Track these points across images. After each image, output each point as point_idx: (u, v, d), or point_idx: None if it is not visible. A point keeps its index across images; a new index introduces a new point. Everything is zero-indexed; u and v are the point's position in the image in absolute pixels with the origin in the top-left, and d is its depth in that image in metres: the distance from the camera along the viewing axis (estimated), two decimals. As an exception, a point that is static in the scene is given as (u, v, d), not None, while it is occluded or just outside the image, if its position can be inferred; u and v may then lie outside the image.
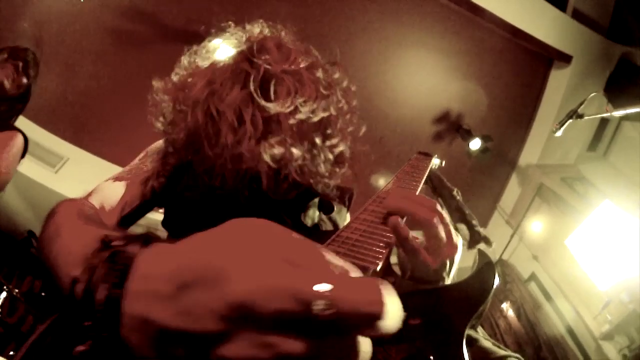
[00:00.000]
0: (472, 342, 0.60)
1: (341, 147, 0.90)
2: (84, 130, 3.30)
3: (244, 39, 0.90)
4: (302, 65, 0.87)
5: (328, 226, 0.90)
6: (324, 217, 0.89)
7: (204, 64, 0.88)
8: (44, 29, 3.05)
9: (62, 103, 3.25)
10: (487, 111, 3.88)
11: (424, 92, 3.83)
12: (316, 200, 0.89)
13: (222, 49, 0.90)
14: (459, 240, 0.63)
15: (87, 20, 3.02)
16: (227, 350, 0.28)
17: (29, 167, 3.11)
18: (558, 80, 3.83)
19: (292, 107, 0.81)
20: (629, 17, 3.46)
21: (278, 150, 0.80)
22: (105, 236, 0.37)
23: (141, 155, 0.96)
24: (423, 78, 3.80)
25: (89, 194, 0.81)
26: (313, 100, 0.84)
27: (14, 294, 2.17)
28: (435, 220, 0.59)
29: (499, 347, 0.61)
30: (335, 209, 0.91)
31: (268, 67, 0.83)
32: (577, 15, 3.58)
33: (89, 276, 0.35)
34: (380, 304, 0.26)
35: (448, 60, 3.67)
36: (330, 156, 0.88)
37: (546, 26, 3.47)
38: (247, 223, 0.32)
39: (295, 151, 0.81)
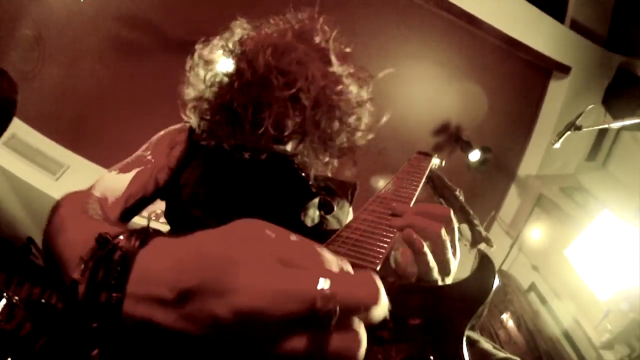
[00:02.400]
0: (473, 344, 0.60)
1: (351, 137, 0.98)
2: (84, 138, 3.31)
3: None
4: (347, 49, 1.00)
5: (333, 224, 0.91)
6: (326, 215, 0.90)
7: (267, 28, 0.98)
8: (44, 35, 3.07)
9: (63, 111, 3.26)
10: (486, 122, 3.89)
11: (423, 104, 3.84)
12: (316, 200, 0.89)
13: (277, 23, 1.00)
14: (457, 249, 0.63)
15: (87, 27, 3.04)
16: (235, 353, 0.28)
17: (29, 174, 3.12)
18: (557, 91, 3.84)
19: (346, 73, 0.94)
20: (627, 27, 3.49)
21: (339, 86, 0.92)
22: (103, 233, 0.37)
23: (144, 146, 0.96)
24: (422, 90, 3.82)
25: (93, 186, 0.82)
26: (355, 81, 0.97)
27: (13, 300, 2.17)
28: (443, 233, 0.59)
29: (499, 349, 0.61)
30: (335, 207, 0.91)
31: (326, 39, 0.95)
32: (575, 26, 3.61)
33: (88, 278, 0.35)
34: (377, 294, 0.29)
35: (447, 72, 3.69)
36: (340, 141, 0.96)
37: (544, 37, 3.49)
38: (246, 226, 0.32)
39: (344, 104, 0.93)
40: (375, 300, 0.29)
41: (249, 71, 0.87)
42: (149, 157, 0.92)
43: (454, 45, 3.55)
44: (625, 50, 3.58)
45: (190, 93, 0.95)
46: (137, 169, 0.89)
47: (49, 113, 3.22)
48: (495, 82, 3.77)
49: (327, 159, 0.96)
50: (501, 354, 0.59)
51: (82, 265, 0.36)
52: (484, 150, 3.83)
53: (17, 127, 3.08)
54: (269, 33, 0.95)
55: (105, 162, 3.34)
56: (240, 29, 0.96)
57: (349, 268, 0.33)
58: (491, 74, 3.75)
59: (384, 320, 0.46)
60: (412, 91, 3.80)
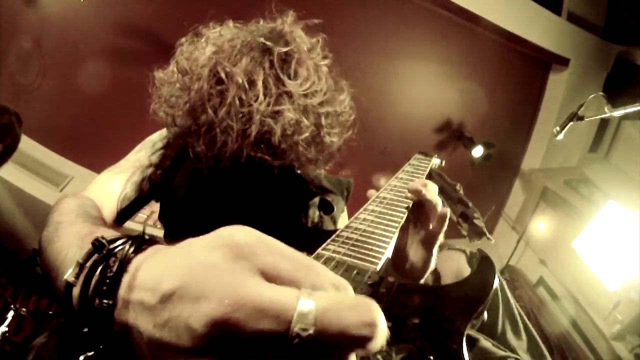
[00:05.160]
0: (473, 342, 0.60)
1: (332, 142, 0.93)
2: (87, 148, 3.32)
3: (260, 24, 0.94)
4: (321, 60, 0.93)
5: (329, 224, 0.90)
6: (324, 216, 0.90)
7: (213, 41, 0.89)
8: (44, 48, 3.09)
9: (65, 122, 3.28)
10: (488, 118, 3.88)
11: (424, 102, 3.84)
12: (316, 200, 0.89)
13: (230, 29, 0.93)
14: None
15: (86, 38, 3.06)
16: None
17: (33, 186, 3.13)
18: (557, 84, 3.83)
19: (308, 91, 0.86)
20: (624, 16, 3.47)
21: (291, 116, 0.82)
22: (99, 237, 0.37)
23: (137, 147, 0.97)
24: (423, 88, 3.81)
25: (87, 189, 0.82)
26: (324, 93, 0.89)
27: (21, 312, 2.18)
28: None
29: (498, 347, 0.61)
30: (335, 209, 0.91)
31: (291, 48, 0.87)
32: (572, 18, 3.59)
33: (83, 281, 0.35)
34: (373, 326, 0.26)
35: (447, 69, 3.68)
36: (323, 146, 0.91)
37: (542, 30, 3.49)
38: (234, 233, 0.31)
39: (306, 122, 0.84)
40: (369, 334, 0.26)
41: (192, 92, 0.84)
42: (142, 159, 0.93)
43: (452, 42, 3.55)
44: (623, 39, 3.57)
45: (160, 113, 0.94)
46: (130, 171, 0.89)
47: (51, 125, 3.23)
48: (495, 77, 3.76)
49: (311, 165, 0.94)
50: (501, 352, 0.59)
51: (77, 269, 0.36)
52: (487, 146, 3.82)
53: (20, 140, 3.10)
54: (213, 45, 0.88)
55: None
56: (185, 46, 0.92)
57: (346, 288, 0.30)
58: (491, 69, 3.74)
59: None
60: (413, 90, 3.80)
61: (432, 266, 0.76)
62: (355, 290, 0.50)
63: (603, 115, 2.39)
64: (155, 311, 0.29)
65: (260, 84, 0.82)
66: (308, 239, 0.64)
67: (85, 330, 0.34)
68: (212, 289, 0.27)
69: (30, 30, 3.09)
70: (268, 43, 0.86)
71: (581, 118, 2.38)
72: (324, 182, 0.98)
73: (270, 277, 0.28)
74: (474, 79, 3.68)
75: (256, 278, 0.28)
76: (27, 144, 3.18)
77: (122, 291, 0.33)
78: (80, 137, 3.33)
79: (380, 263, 0.56)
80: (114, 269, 0.34)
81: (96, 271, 0.35)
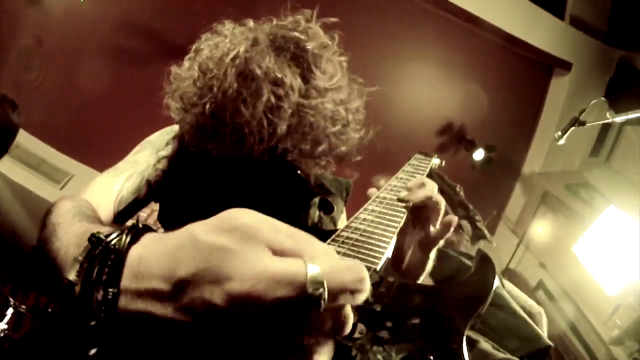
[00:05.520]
0: (473, 344, 0.60)
1: (358, 137, 0.95)
2: (88, 146, 3.33)
3: (280, 21, 0.95)
4: (342, 57, 0.95)
5: (328, 224, 0.90)
6: (324, 216, 0.90)
7: (236, 39, 0.90)
8: (45, 45, 3.10)
9: (66, 119, 3.28)
10: (489, 121, 3.88)
11: (426, 105, 3.84)
12: (316, 200, 0.89)
13: (250, 28, 0.94)
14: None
15: (88, 35, 3.06)
16: (231, 340, 0.30)
17: (34, 183, 3.14)
18: (559, 88, 3.83)
19: (335, 85, 0.88)
20: (626, 21, 3.47)
21: (330, 107, 0.85)
22: (95, 233, 0.38)
23: (136, 149, 0.96)
24: (425, 90, 3.82)
25: (85, 191, 0.82)
26: (346, 90, 0.92)
27: (20, 309, 2.18)
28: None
29: (498, 349, 0.61)
30: (335, 209, 0.91)
31: (315, 44, 0.89)
32: (575, 22, 3.60)
33: (83, 278, 0.36)
34: (363, 280, 0.31)
35: (449, 71, 3.69)
36: (342, 148, 0.93)
37: (545, 34, 3.49)
38: (237, 215, 0.33)
39: (341, 114, 0.88)
40: (361, 288, 0.31)
41: (218, 92, 0.85)
42: (140, 160, 0.92)
43: (455, 45, 3.55)
44: (625, 44, 3.57)
45: (174, 109, 0.94)
46: (129, 172, 0.89)
47: (52, 122, 3.24)
48: (498, 80, 3.77)
49: (322, 163, 0.95)
50: (500, 355, 0.59)
51: (77, 266, 0.37)
52: (488, 149, 3.82)
53: (21, 136, 3.09)
54: (237, 43, 0.89)
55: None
56: (205, 44, 0.93)
57: (334, 254, 0.34)
58: (493, 72, 3.74)
59: (384, 320, 0.46)
60: (415, 92, 3.80)
61: (428, 269, 0.77)
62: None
63: (605, 121, 2.39)
64: (172, 297, 0.31)
65: (290, 78, 0.83)
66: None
67: (92, 324, 0.34)
68: (230, 269, 0.29)
69: (32, 28, 3.10)
70: (294, 38, 0.88)
71: (583, 123, 2.38)
72: (324, 182, 0.98)
73: (277, 252, 0.31)
74: (476, 81, 3.68)
75: (267, 254, 0.31)
76: (28, 141, 3.19)
77: (127, 281, 0.33)
78: (81, 134, 3.33)
79: (380, 263, 0.56)
80: (113, 260, 0.35)
81: (95, 266, 0.36)
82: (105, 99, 3.15)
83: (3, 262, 2.91)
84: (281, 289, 0.28)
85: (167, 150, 0.94)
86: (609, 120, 2.33)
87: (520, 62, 3.73)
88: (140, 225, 0.38)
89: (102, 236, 0.37)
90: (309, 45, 0.88)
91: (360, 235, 0.60)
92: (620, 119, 2.25)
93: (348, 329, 0.33)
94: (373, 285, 0.51)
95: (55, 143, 3.31)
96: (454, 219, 0.73)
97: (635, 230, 2.77)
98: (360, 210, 0.70)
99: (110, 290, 0.33)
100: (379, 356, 0.43)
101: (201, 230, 0.32)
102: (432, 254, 0.77)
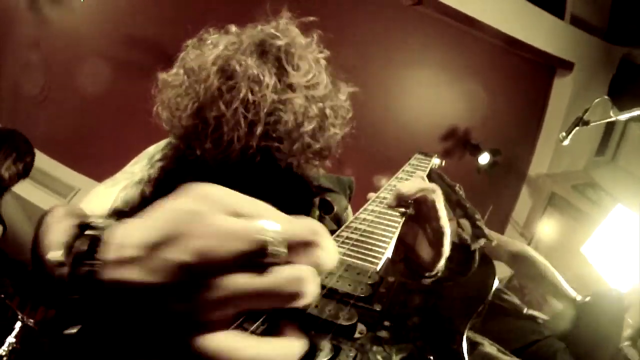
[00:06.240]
0: (476, 346, 0.59)
1: (335, 134, 0.94)
2: (95, 160, 3.34)
3: (259, 26, 0.95)
4: (321, 54, 0.95)
5: (330, 224, 0.90)
6: (324, 216, 0.90)
7: (218, 41, 0.92)
8: (50, 59, 3.13)
9: (73, 134, 3.31)
10: (494, 125, 3.87)
11: (430, 110, 3.84)
12: (316, 200, 0.89)
13: (233, 33, 0.95)
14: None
15: (92, 49, 3.10)
16: (195, 297, 0.31)
17: (40, 198, 3.16)
18: (562, 88, 3.82)
19: (310, 82, 0.88)
20: (627, 18, 3.47)
21: (300, 102, 0.85)
22: (82, 219, 0.40)
23: (134, 160, 0.99)
24: (428, 95, 3.82)
25: (83, 201, 0.84)
26: (325, 86, 0.91)
27: (28, 323, 2.18)
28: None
29: (505, 353, 0.60)
30: (336, 208, 0.92)
31: (289, 42, 0.90)
32: (576, 21, 3.59)
33: (72, 258, 0.37)
34: (319, 235, 0.33)
35: (451, 76, 3.69)
36: (318, 145, 0.92)
37: (546, 35, 3.49)
38: (198, 187, 0.35)
39: (314, 111, 0.87)
40: (314, 237, 0.33)
41: (201, 91, 0.86)
42: (136, 171, 0.94)
43: (456, 49, 3.56)
44: (627, 41, 3.56)
45: (164, 118, 0.95)
46: (124, 183, 0.90)
47: (58, 136, 3.27)
48: (500, 83, 3.76)
49: (310, 162, 0.95)
50: (506, 358, 0.59)
51: (63, 249, 0.39)
52: (493, 152, 3.81)
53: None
54: (218, 45, 0.92)
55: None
56: (191, 50, 0.95)
57: (292, 219, 0.35)
58: (495, 75, 3.74)
59: (384, 320, 0.46)
60: (418, 98, 3.80)
61: (443, 260, 0.72)
62: (356, 289, 0.50)
63: (609, 119, 2.38)
64: (143, 261, 0.33)
65: (267, 77, 0.84)
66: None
67: (73, 297, 0.36)
68: (190, 228, 0.31)
69: (36, 42, 3.14)
70: (270, 39, 0.89)
71: (587, 123, 2.37)
72: (323, 182, 0.98)
73: (237, 215, 0.33)
74: (478, 85, 3.68)
75: (224, 216, 0.33)
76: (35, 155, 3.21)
77: (105, 253, 0.35)
78: (87, 148, 3.36)
79: (380, 263, 0.56)
80: (94, 236, 0.37)
81: (78, 243, 0.38)
82: (111, 113, 3.18)
83: (10, 276, 2.92)
84: (239, 242, 0.30)
85: (162, 161, 0.95)
86: (613, 119, 2.32)
87: (522, 63, 3.72)
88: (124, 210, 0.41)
89: (86, 222, 0.39)
90: (282, 42, 0.89)
91: (361, 235, 0.60)
92: (624, 116, 2.24)
93: (303, 297, 0.32)
94: (373, 285, 0.51)
95: (61, 157, 3.34)
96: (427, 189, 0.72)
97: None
98: (361, 210, 0.70)
99: (91, 262, 0.35)
100: (379, 356, 0.43)
101: (166, 202, 0.35)
102: (446, 243, 0.72)
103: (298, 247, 0.33)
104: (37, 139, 3.01)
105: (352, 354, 0.41)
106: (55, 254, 0.39)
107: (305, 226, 0.34)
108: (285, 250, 0.32)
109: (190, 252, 0.31)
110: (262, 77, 0.84)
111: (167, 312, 0.33)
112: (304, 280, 0.32)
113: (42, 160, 3.25)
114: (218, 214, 0.32)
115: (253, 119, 0.83)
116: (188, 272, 0.31)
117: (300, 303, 0.32)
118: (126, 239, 0.35)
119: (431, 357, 0.44)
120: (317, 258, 0.33)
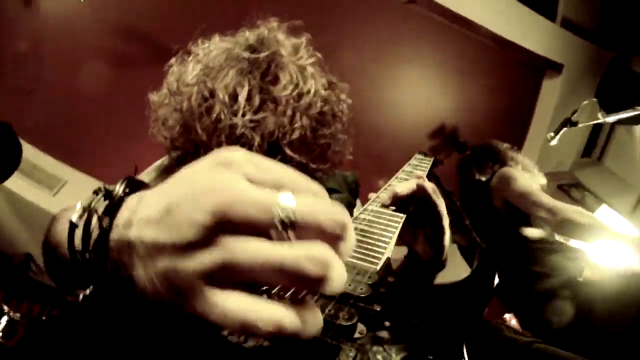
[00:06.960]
0: (496, 333, 0.60)
1: (326, 144, 0.93)
2: (82, 152, 3.30)
3: (245, 34, 0.94)
4: (307, 60, 0.92)
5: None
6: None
7: (199, 58, 0.91)
8: (39, 50, 3.07)
9: (60, 125, 3.25)
10: (481, 123, 3.89)
11: (417, 108, 3.85)
12: None
13: (216, 44, 0.94)
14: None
15: (82, 41, 3.05)
16: (208, 256, 0.31)
17: (26, 190, 3.10)
18: (550, 89, 3.86)
19: (292, 94, 0.86)
20: (617, 22, 3.51)
21: (272, 120, 0.83)
22: (98, 187, 0.41)
23: (140, 175, 0.98)
24: (417, 94, 3.82)
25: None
26: (313, 94, 0.89)
27: (14, 317, 2.15)
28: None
29: (524, 334, 0.61)
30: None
31: (270, 53, 0.88)
32: (567, 24, 3.63)
33: (86, 220, 0.39)
34: (346, 228, 0.32)
35: (441, 74, 3.70)
36: (316, 149, 0.91)
37: (537, 37, 3.51)
38: (223, 151, 0.36)
39: (296, 125, 0.85)
40: (341, 233, 0.31)
41: (183, 111, 0.86)
42: (144, 178, 0.93)
43: (446, 48, 3.56)
44: (616, 45, 3.61)
45: (159, 138, 0.94)
46: None
47: (45, 128, 3.21)
48: (489, 82, 3.78)
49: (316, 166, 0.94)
50: (526, 339, 0.60)
51: (80, 211, 0.40)
52: (481, 150, 3.83)
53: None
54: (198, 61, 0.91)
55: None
56: (175, 66, 0.94)
57: (324, 195, 0.35)
58: (485, 75, 3.76)
59: (384, 320, 0.47)
60: (406, 95, 3.81)
61: (444, 256, 0.73)
62: (355, 289, 0.51)
63: (596, 121, 2.42)
64: (161, 221, 0.33)
65: (243, 95, 0.83)
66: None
67: (87, 257, 0.37)
68: (206, 188, 0.32)
69: (26, 33, 3.08)
70: (248, 53, 0.87)
71: (575, 124, 2.41)
72: (327, 183, 0.98)
73: (254, 181, 0.33)
74: (467, 84, 3.70)
75: (241, 180, 0.33)
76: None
77: (123, 215, 0.37)
78: (75, 140, 3.30)
79: (380, 263, 0.56)
80: (113, 200, 0.39)
81: (96, 210, 0.39)
82: (99, 105, 3.13)
83: (-5, 269, 2.88)
84: (251, 209, 0.30)
85: (160, 178, 0.94)
86: (600, 121, 2.36)
87: (512, 64, 3.75)
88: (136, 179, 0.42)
89: (103, 188, 0.41)
90: (264, 55, 0.88)
91: (361, 235, 0.61)
92: (611, 119, 2.28)
93: (327, 282, 0.30)
94: (373, 285, 0.52)
95: (48, 149, 3.28)
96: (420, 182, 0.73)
97: (627, 229, 2.79)
98: (361, 210, 0.70)
99: (107, 221, 0.37)
100: (379, 356, 0.43)
101: (190, 166, 0.36)
102: (446, 241, 0.74)
103: (314, 230, 0.31)
104: (25, 129, 2.96)
105: (352, 354, 0.42)
106: (74, 215, 0.40)
107: (333, 212, 0.32)
108: (291, 229, 0.30)
109: (206, 212, 0.31)
110: (234, 100, 0.83)
111: (179, 274, 0.32)
112: (326, 263, 0.30)
113: (28, 151, 3.20)
114: (239, 179, 0.32)
115: (226, 142, 0.82)
116: (204, 230, 0.31)
117: (325, 288, 0.30)
118: (148, 201, 0.36)
119: (431, 357, 0.45)
120: (340, 250, 0.31)
